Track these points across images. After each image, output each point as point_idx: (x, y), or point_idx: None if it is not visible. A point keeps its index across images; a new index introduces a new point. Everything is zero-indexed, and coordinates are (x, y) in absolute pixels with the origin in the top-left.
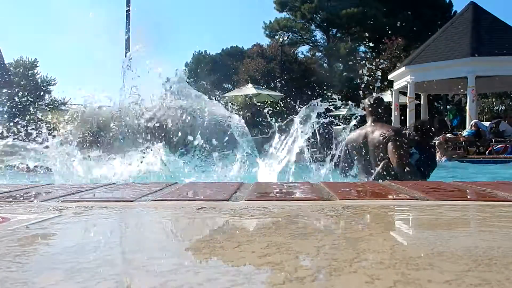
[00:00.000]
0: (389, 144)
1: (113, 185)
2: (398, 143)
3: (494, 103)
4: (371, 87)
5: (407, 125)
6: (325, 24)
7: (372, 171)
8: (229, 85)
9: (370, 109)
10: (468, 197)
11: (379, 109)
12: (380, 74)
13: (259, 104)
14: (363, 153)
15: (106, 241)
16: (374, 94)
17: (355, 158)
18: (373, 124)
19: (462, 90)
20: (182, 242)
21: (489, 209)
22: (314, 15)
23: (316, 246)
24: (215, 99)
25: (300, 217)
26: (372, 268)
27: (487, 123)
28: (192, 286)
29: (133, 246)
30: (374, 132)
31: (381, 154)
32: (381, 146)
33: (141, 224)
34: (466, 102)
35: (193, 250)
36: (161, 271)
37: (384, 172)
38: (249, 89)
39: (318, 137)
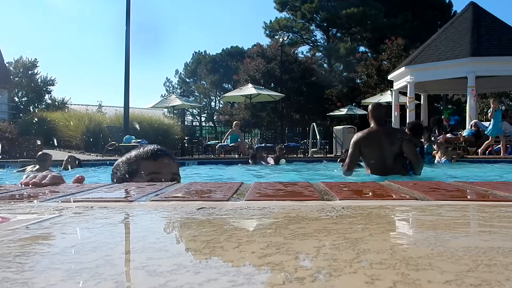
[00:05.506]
0: (405, 142)
1: (113, 185)
2: (413, 143)
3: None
4: (371, 87)
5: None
6: (325, 24)
7: (387, 164)
8: (229, 85)
9: (374, 114)
10: (468, 197)
11: (382, 115)
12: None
13: (259, 104)
14: (377, 150)
15: (106, 241)
16: (376, 100)
17: (368, 155)
18: (379, 126)
19: (462, 90)
20: (182, 242)
21: (489, 209)
22: (314, 15)
23: (316, 246)
24: (215, 99)
25: (300, 217)
26: (372, 269)
27: (487, 123)
28: (192, 286)
29: (133, 246)
30: (388, 133)
31: (396, 150)
32: (396, 144)
33: (141, 225)
34: (465, 102)
35: (193, 250)
36: (161, 271)
37: (400, 165)
38: (249, 89)
39: (317, 137)
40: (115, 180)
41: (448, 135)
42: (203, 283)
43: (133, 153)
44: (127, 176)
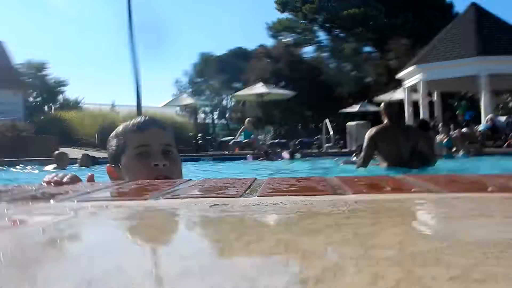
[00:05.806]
0: (421, 138)
1: (127, 183)
2: (427, 138)
3: (509, 99)
4: (381, 86)
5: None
6: (327, 25)
7: (403, 158)
8: (239, 85)
9: (387, 111)
10: (484, 189)
11: (395, 112)
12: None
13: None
14: (393, 145)
15: (119, 241)
16: (389, 97)
17: (384, 149)
18: (393, 123)
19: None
20: (195, 241)
21: (505, 201)
22: (316, 16)
23: (326, 243)
24: (227, 97)
25: (312, 212)
26: (380, 266)
27: (503, 118)
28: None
29: (145, 246)
30: (403, 128)
31: (411, 145)
32: (411, 139)
33: (155, 223)
34: (480, 99)
35: (205, 249)
36: (172, 272)
37: (415, 160)
38: (259, 88)
39: (331, 132)
40: (108, 157)
41: (464, 130)
42: (213, 283)
43: (121, 126)
44: (118, 152)
